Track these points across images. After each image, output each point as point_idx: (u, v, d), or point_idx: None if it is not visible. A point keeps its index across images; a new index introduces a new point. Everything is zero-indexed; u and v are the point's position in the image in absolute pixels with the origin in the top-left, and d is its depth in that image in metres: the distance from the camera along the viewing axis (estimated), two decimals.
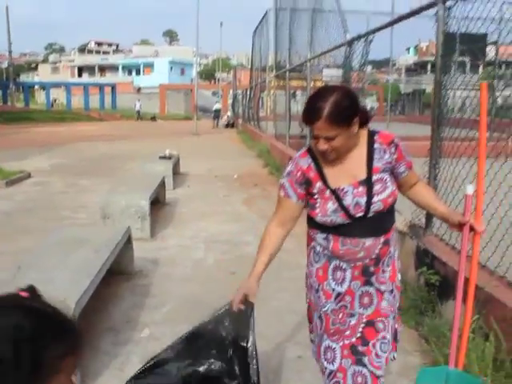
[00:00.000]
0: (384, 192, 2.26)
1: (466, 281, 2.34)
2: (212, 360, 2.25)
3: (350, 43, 6.52)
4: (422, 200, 2.47)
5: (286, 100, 13.42)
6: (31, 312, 1.07)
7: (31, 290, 1.13)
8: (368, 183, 2.25)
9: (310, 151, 2.35)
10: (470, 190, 2.25)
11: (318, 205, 2.28)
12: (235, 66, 71.51)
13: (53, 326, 1.09)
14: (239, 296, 2.25)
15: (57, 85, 61.39)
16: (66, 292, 3.14)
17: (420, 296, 4.03)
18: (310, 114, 2.17)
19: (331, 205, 2.25)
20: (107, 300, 4.31)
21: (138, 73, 67.96)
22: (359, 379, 2.42)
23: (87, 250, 4.04)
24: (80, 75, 75.56)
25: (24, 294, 1.11)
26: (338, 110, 2.10)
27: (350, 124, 2.15)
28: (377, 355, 2.41)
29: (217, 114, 37.37)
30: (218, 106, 38.96)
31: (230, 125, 35.22)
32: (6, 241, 6.16)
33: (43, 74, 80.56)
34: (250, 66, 29.98)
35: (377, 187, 2.25)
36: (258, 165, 13.68)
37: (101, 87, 56.50)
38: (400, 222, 4.88)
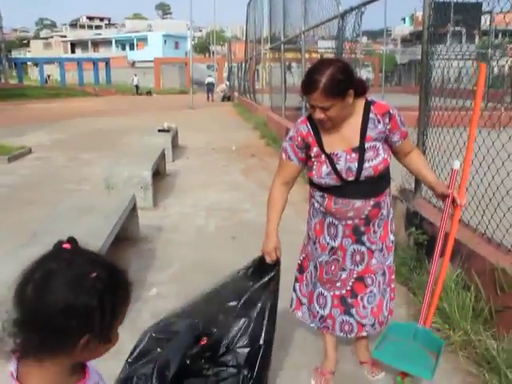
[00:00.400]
0: (375, 159, 2.48)
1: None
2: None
3: (343, 15, 6.68)
4: (413, 168, 2.72)
5: (281, 72, 13.54)
6: (104, 265, 1.20)
7: (73, 241, 1.23)
8: (360, 150, 2.47)
9: (309, 119, 2.57)
10: (456, 165, 2.50)
11: (314, 167, 2.54)
12: (229, 38, 70.87)
13: (119, 276, 1.22)
14: (273, 251, 2.56)
15: (50, 61, 60.78)
16: None
17: (409, 255, 4.30)
18: (308, 86, 2.36)
19: (325, 168, 2.50)
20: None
21: (131, 47, 67.39)
22: (346, 327, 2.76)
23: (96, 216, 4.30)
24: (73, 51, 74.88)
25: (66, 245, 1.20)
26: (332, 82, 2.30)
27: (344, 96, 2.35)
28: (364, 307, 2.75)
29: (210, 88, 37.20)
30: (210, 79, 38.73)
31: (226, 98, 35.21)
32: (14, 212, 6.40)
33: (35, 50, 79.69)
34: (244, 39, 29.83)
35: (368, 154, 2.47)
36: (255, 136, 13.87)
37: (94, 62, 56.03)
38: (392, 187, 5.14)
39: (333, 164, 2.49)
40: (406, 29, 62.71)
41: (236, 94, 32.63)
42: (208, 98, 36.38)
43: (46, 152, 11.62)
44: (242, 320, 2.41)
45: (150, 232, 5.39)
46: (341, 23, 6.87)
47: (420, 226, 4.32)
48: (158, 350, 2.31)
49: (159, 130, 10.81)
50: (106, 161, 8.78)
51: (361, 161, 2.47)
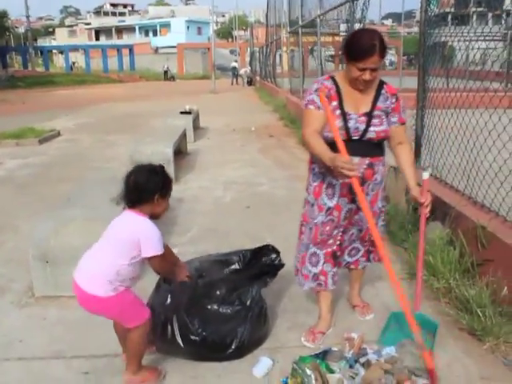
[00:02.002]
0: (379, 126, 2.85)
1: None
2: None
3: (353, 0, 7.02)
4: (400, 161, 3.00)
5: (299, 56, 13.86)
6: (162, 169, 2.53)
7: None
8: (369, 115, 2.84)
9: (332, 78, 2.91)
10: (425, 175, 2.79)
11: (331, 118, 2.81)
12: (252, 23, 70.80)
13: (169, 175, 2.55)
14: (349, 162, 2.57)
15: (75, 48, 61.70)
16: (108, 217, 3.88)
17: (407, 220, 4.70)
18: (366, 51, 2.64)
19: (339, 122, 2.82)
20: None
21: (154, 33, 67.86)
22: (335, 277, 3.19)
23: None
24: (97, 38, 75.63)
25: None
26: (384, 44, 2.68)
27: (385, 56, 2.75)
28: (349, 255, 3.20)
29: (234, 72, 38.40)
30: (235, 64, 39.90)
31: (248, 82, 35.65)
32: (48, 187, 6.95)
33: (60, 38, 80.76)
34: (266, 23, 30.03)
35: (375, 121, 2.85)
36: (274, 118, 14.26)
37: (118, 49, 56.71)
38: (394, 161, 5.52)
39: (345, 121, 2.84)
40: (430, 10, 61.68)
41: (258, 78, 32.93)
42: (232, 82, 37.41)
43: (74, 135, 12.20)
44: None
45: (171, 202, 5.74)
46: (352, 8, 7.21)
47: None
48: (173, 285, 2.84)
49: (181, 112, 11.25)
50: (130, 142, 9.29)
51: (368, 124, 2.84)
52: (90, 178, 5.19)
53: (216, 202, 6.14)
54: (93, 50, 58.12)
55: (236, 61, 43.05)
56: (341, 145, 2.65)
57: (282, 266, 3.15)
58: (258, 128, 12.06)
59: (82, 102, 21.86)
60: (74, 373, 2.81)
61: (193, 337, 2.75)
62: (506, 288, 3.11)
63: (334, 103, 2.85)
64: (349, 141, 2.82)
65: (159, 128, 9.34)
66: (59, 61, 71.39)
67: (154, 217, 2.51)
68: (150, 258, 2.43)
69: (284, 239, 4.65)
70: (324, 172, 2.97)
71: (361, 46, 2.67)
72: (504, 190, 3.51)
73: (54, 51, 72.54)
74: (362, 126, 2.83)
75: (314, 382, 2.41)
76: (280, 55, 23.90)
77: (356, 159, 2.86)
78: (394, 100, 2.87)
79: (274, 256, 3.18)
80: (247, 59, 47.80)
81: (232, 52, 59.76)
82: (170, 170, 6.84)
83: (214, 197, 6.33)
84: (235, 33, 64.41)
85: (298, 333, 3.15)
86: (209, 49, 48.48)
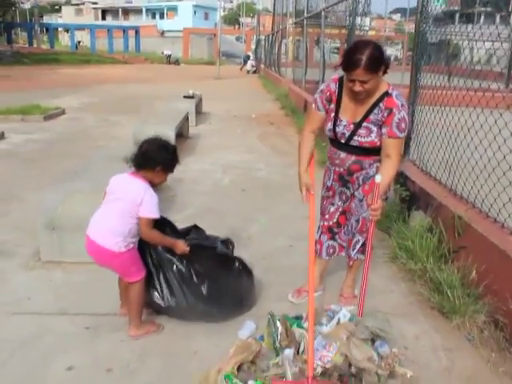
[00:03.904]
0: (364, 137, 3.07)
1: None
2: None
3: None
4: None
5: (303, 47, 14.06)
6: (174, 149, 2.88)
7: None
8: (357, 126, 3.07)
9: (340, 80, 3.10)
10: (377, 179, 2.94)
11: (327, 119, 3.19)
12: (259, 10, 70.64)
13: (177, 154, 2.88)
14: (305, 190, 3.23)
15: (81, 27, 61.59)
16: None
17: (393, 208, 4.97)
18: (351, 64, 2.81)
19: (329, 124, 3.17)
20: None
21: (161, 16, 67.66)
22: (331, 250, 3.52)
23: (126, 165, 5.04)
24: (104, 18, 75.33)
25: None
26: (371, 60, 2.78)
27: (378, 71, 2.86)
28: (344, 233, 3.51)
29: (245, 59, 39.99)
30: (250, 53, 42.09)
31: (252, 71, 36.04)
32: (52, 163, 7.22)
33: (66, 16, 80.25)
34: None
35: (361, 131, 3.06)
36: (276, 107, 14.50)
37: (124, 30, 56.69)
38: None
39: (335, 125, 3.13)
40: (438, 7, 61.55)
41: (262, 66, 33.07)
42: (242, 68, 39.16)
43: (78, 113, 12.44)
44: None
45: (172, 183, 6.12)
46: (355, 2, 7.45)
47: (404, 184, 4.97)
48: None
49: (184, 97, 11.48)
50: (133, 123, 9.50)
51: (352, 133, 3.09)
52: (95, 155, 5.45)
53: (214, 184, 6.42)
54: (99, 29, 58.07)
55: (250, 50, 44.38)
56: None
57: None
58: (258, 116, 12.30)
59: (87, 82, 22.05)
60: (77, 327, 3.10)
61: (187, 294, 3.06)
62: (474, 272, 3.39)
63: (333, 105, 3.12)
64: (338, 140, 3.16)
65: (162, 111, 9.57)
66: (64, 39, 71.31)
67: (152, 185, 2.85)
68: (143, 220, 2.77)
69: (276, 220, 4.95)
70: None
71: (347, 59, 2.81)
72: (479, 184, 3.78)
73: (59, 29, 72.38)
74: (348, 133, 3.09)
75: (279, 332, 2.82)
76: (285, 44, 24.04)
77: (343, 154, 3.20)
78: (386, 114, 2.96)
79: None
80: (253, 47, 47.95)
81: (238, 39, 59.75)
82: None
83: (213, 179, 6.61)
84: (242, 20, 64.32)
85: (283, 303, 3.43)
86: (215, 35, 48.46)
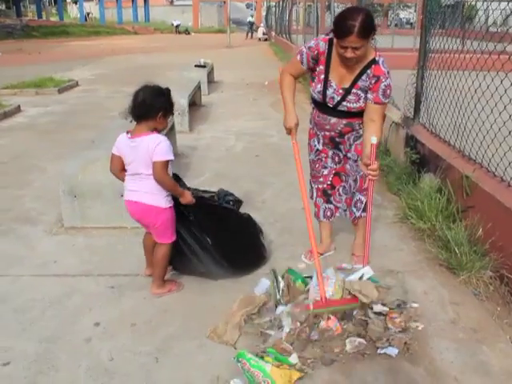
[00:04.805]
0: (353, 103, 3.14)
1: None
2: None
3: None
4: (364, 134, 3.14)
5: (314, 13, 13.95)
6: (168, 91, 2.92)
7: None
8: (346, 92, 3.13)
9: (330, 41, 3.10)
10: (373, 140, 3.03)
11: (314, 80, 3.23)
12: None
13: (171, 98, 2.92)
14: (294, 126, 3.21)
15: None
16: None
17: (404, 171, 5.06)
18: (343, 31, 2.83)
19: (319, 86, 3.20)
20: None
21: None
22: (328, 213, 3.64)
23: None
24: None
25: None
26: (364, 26, 2.81)
27: (370, 37, 2.91)
28: (339, 194, 3.61)
29: (250, 26, 38.92)
30: (251, 18, 40.65)
31: (263, 39, 35.68)
32: (69, 134, 7.39)
33: None
34: None
35: (350, 97, 3.13)
36: None
37: (133, 0, 56.12)
38: (396, 116, 5.85)
39: (325, 87, 3.17)
40: None
41: (273, 33, 32.74)
42: (247, 36, 37.58)
43: (91, 85, 12.55)
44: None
45: (186, 150, 6.27)
46: None
47: (415, 147, 5.04)
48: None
49: (196, 66, 11.48)
50: None
51: (342, 99, 3.14)
52: (110, 125, 5.57)
53: (227, 150, 6.54)
54: (107, 0, 57.54)
55: (252, 15, 43.22)
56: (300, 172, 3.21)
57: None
58: (270, 82, 12.30)
59: (98, 53, 22.09)
60: (102, 287, 3.28)
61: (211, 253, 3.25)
62: (481, 229, 3.50)
63: (321, 67, 3.14)
64: (325, 104, 3.19)
65: (175, 80, 9.61)
66: (73, 11, 70.69)
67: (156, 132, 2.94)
68: (157, 163, 2.83)
69: (289, 184, 5.06)
70: (314, 121, 3.42)
71: (340, 26, 2.83)
72: (486, 144, 3.85)
73: (68, 1, 71.77)
74: (337, 98, 3.14)
75: (281, 288, 2.99)
76: (296, 11, 23.77)
77: (333, 119, 3.24)
78: (373, 81, 3.03)
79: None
80: (263, 14, 47.35)
81: (248, 6, 58.94)
82: (185, 120, 7.24)
83: (226, 146, 6.74)
84: None
85: (295, 262, 3.58)
86: (225, 2, 47.86)
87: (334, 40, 2.98)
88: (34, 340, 2.75)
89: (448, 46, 4.60)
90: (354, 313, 2.84)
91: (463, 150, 4.25)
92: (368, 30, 2.83)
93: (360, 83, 3.07)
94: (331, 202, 3.61)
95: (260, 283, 3.20)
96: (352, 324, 2.78)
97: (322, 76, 3.16)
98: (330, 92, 3.15)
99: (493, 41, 4.11)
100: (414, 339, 2.71)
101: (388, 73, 3.05)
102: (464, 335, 2.82)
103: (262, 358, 2.50)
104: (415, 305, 2.89)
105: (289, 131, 3.28)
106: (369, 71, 3.04)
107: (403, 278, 3.39)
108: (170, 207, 3.01)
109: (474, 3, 5.40)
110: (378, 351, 2.63)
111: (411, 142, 5.16)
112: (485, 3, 4.53)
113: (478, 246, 3.49)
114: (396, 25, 29.07)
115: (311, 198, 3.69)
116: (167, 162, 2.87)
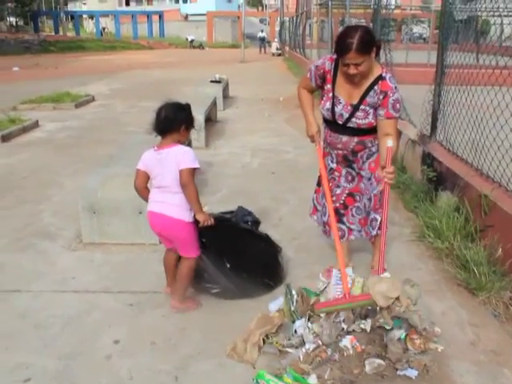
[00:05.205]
0: (362, 120, 3.19)
1: None
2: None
3: None
4: (380, 148, 3.18)
5: (328, 28, 14.01)
6: (189, 106, 3.05)
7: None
8: (355, 108, 3.18)
9: (336, 61, 3.17)
10: (389, 143, 3.04)
11: (323, 98, 3.29)
12: None
13: (191, 112, 3.03)
14: (316, 134, 3.37)
15: (105, 13, 61.89)
16: None
17: (421, 189, 5.05)
18: (343, 48, 2.93)
19: (328, 104, 3.25)
20: None
21: (184, 0, 67.45)
22: (340, 233, 3.57)
23: None
24: (127, 3, 75.48)
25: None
26: (362, 42, 2.89)
27: (370, 52, 2.97)
28: (352, 215, 3.60)
29: (262, 41, 39.87)
30: (261, 34, 41.60)
31: (277, 54, 35.93)
32: (86, 149, 7.47)
33: (90, 3, 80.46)
34: None
35: (359, 114, 3.18)
36: None
37: (148, 15, 56.88)
38: (412, 133, 5.86)
39: (333, 104, 3.21)
40: None
41: (287, 48, 32.92)
42: (260, 51, 38.28)
43: (108, 100, 12.69)
44: None
45: (202, 166, 6.22)
46: None
47: (431, 165, 5.04)
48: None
49: (211, 81, 11.60)
50: None
51: (351, 115, 3.19)
52: (128, 141, 5.63)
53: (244, 167, 6.58)
54: (123, 15, 58.33)
55: (262, 31, 43.80)
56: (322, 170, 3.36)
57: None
58: (285, 98, 12.35)
59: (114, 68, 22.35)
60: (121, 304, 3.30)
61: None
62: (500, 250, 3.48)
63: (329, 85, 3.21)
64: (335, 123, 3.24)
65: (191, 95, 9.67)
66: (89, 26, 71.70)
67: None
68: (184, 171, 2.89)
69: (306, 201, 5.03)
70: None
71: (340, 44, 2.94)
72: (505, 163, 3.84)
73: (84, 16, 72.81)
74: (346, 115, 3.18)
75: (295, 299, 3.00)
76: (310, 25, 23.90)
77: (345, 138, 3.29)
78: (381, 97, 3.08)
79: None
80: (277, 29, 47.66)
81: (262, 21, 59.36)
82: (201, 136, 7.29)
83: (242, 162, 6.77)
84: (266, 1, 63.75)
85: (312, 280, 3.57)
86: (239, 17, 48.30)
87: (339, 61, 3.08)
88: (54, 356, 2.77)
89: (464, 61, 4.62)
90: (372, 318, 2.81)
91: (481, 168, 4.24)
92: (367, 46, 2.91)
93: (368, 99, 3.12)
94: (344, 223, 3.59)
95: (276, 300, 3.21)
96: (371, 345, 2.76)
97: (331, 94, 3.21)
98: (338, 109, 3.20)
99: (506, 54, 4.13)
100: (433, 361, 2.69)
101: (396, 88, 3.10)
102: (484, 358, 2.80)
103: (281, 378, 2.50)
104: (437, 328, 2.86)
105: (312, 139, 3.41)
106: (376, 87, 3.09)
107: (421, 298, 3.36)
108: (194, 222, 3.04)
109: (488, 18, 5.41)
110: (398, 373, 2.61)
111: (428, 159, 5.15)
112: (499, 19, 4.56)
113: (498, 266, 3.47)
114: (410, 39, 29.10)
115: (310, 215, 3.83)
116: (193, 170, 2.94)
